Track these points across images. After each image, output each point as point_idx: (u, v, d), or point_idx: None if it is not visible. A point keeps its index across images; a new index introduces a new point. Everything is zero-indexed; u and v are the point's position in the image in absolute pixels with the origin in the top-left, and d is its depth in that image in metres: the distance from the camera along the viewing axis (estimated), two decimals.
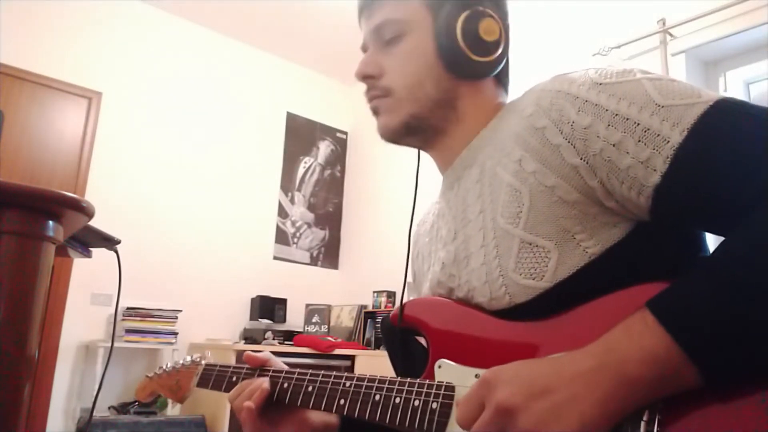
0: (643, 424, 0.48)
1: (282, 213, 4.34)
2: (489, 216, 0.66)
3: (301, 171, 4.52)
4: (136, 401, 3.24)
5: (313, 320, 3.95)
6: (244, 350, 3.72)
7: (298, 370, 0.78)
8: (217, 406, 3.17)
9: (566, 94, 0.61)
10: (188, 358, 0.94)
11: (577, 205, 0.59)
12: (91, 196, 3.40)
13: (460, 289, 0.69)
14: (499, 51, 0.72)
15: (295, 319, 4.03)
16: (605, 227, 0.59)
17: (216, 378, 0.87)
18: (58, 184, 3.33)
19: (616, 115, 0.57)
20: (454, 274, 0.70)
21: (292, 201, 4.43)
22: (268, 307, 3.91)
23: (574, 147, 0.59)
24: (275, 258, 4.23)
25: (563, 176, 0.59)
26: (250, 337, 3.72)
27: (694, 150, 0.53)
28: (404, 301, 0.74)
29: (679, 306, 0.49)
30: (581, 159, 0.58)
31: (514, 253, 0.62)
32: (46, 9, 3.46)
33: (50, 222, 0.71)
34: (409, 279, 0.89)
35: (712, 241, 0.64)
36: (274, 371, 0.80)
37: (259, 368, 0.82)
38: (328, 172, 4.70)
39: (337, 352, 3.50)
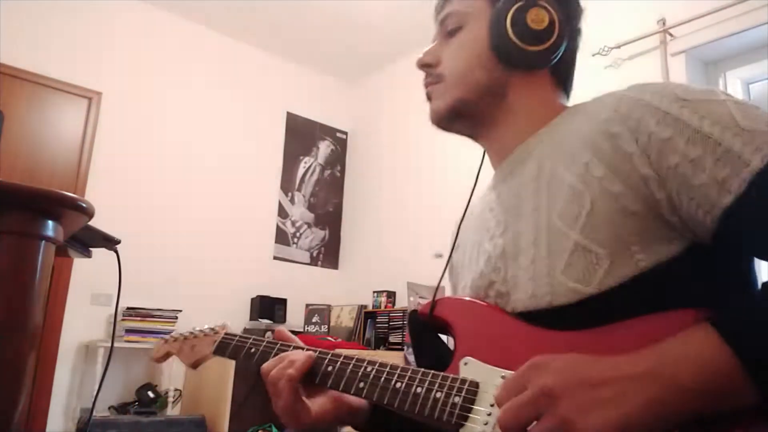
0: None
1: (282, 213, 4.34)
2: (544, 214, 0.65)
3: (301, 171, 4.52)
4: (136, 401, 3.24)
5: (313, 320, 3.94)
6: None
7: (319, 349, 0.77)
8: (217, 406, 3.17)
9: (647, 104, 0.60)
10: (206, 326, 0.92)
11: (639, 215, 0.58)
12: (91, 196, 3.40)
13: (503, 283, 0.68)
14: (550, 41, 0.71)
15: (295, 319, 4.03)
16: (661, 242, 0.58)
17: (234, 347, 0.84)
18: (58, 184, 3.33)
19: (698, 132, 0.56)
20: (500, 267, 0.69)
21: (292, 201, 4.43)
22: (268, 307, 3.91)
23: (648, 157, 0.58)
24: (275, 258, 4.22)
25: (630, 185, 0.59)
26: None
27: None
28: (437, 297, 0.74)
29: (743, 322, 0.48)
30: (653, 170, 0.58)
31: (566, 255, 0.61)
32: (46, 9, 3.46)
33: (50, 222, 0.71)
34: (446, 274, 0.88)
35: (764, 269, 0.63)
36: (295, 347, 0.79)
37: (279, 343, 0.81)
38: (328, 172, 4.70)
39: (337, 352, 3.49)
